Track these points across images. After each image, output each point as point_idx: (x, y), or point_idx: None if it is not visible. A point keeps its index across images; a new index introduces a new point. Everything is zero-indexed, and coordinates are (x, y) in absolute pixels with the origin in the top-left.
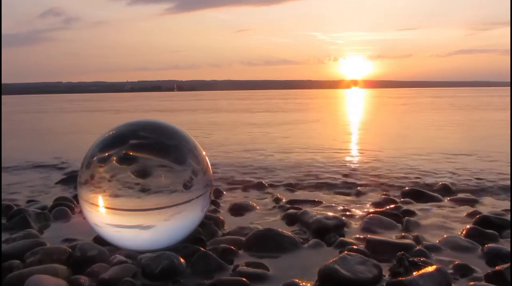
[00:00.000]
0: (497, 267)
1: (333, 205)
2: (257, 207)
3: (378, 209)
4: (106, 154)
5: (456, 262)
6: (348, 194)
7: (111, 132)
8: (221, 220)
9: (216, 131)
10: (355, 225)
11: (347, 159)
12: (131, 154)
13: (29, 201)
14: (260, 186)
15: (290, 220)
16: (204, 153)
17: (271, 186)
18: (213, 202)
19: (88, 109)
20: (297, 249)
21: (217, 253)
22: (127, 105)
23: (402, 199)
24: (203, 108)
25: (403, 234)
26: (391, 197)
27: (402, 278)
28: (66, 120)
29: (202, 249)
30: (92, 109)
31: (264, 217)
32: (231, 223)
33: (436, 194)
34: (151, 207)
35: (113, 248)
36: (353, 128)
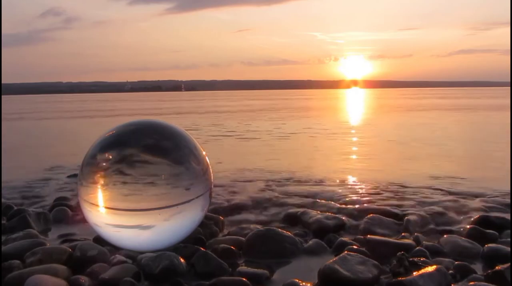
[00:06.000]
0: (497, 267)
1: (333, 204)
2: (257, 206)
3: (378, 209)
4: (106, 154)
5: (456, 262)
6: (348, 193)
7: (111, 133)
8: (221, 220)
9: None
10: (355, 225)
11: (348, 158)
12: (131, 154)
13: (29, 201)
14: (259, 184)
15: (290, 220)
16: (204, 153)
17: (271, 184)
18: (213, 202)
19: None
20: (297, 249)
21: (217, 253)
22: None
23: (402, 199)
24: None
25: (403, 234)
26: (391, 197)
27: (402, 278)
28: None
29: (202, 249)
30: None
31: (264, 216)
32: (231, 222)
33: (436, 194)
34: (151, 207)
35: (113, 248)
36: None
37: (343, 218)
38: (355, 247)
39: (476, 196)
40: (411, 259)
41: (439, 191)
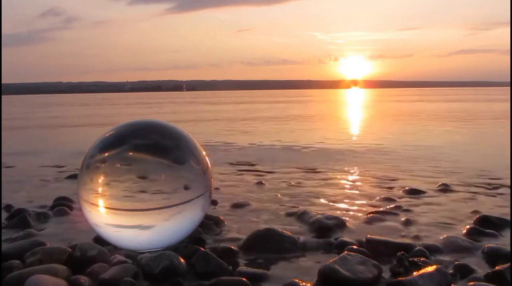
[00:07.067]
0: (497, 267)
1: (333, 204)
2: (257, 206)
3: (378, 209)
4: (106, 154)
5: (456, 262)
6: (348, 193)
7: (111, 133)
8: (221, 220)
9: None
10: (355, 225)
11: (348, 158)
12: (131, 154)
13: (29, 201)
14: (259, 184)
15: (290, 219)
16: (204, 153)
17: (271, 184)
18: (213, 202)
19: None
20: (297, 249)
21: (217, 253)
22: None
23: (402, 198)
24: None
25: (403, 234)
26: (391, 197)
27: (402, 278)
28: None
29: (202, 249)
30: None
31: (264, 216)
32: (231, 222)
33: (436, 193)
34: (151, 207)
35: (113, 248)
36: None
37: (343, 217)
38: (355, 247)
39: (478, 196)
40: (411, 259)
41: (441, 190)
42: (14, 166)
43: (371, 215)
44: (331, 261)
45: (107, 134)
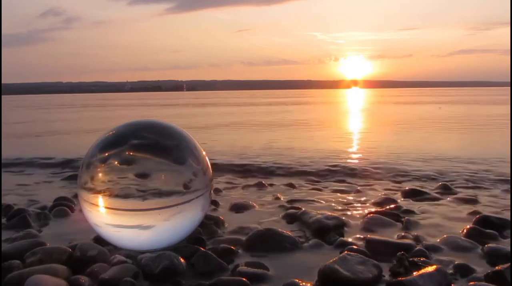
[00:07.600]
0: (497, 267)
1: (333, 204)
2: (257, 207)
3: (378, 209)
4: (106, 154)
5: (456, 262)
6: (348, 193)
7: (111, 133)
8: (221, 220)
9: None
10: (355, 225)
11: (348, 160)
12: (131, 154)
13: (29, 201)
14: (259, 185)
15: (290, 219)
16: (204, 152)
17: (271, 185)
18: (213, 202)
19: None
20: (297, 249)
21: (217, 253)
22: None
23: (402, 199)
24: None
25: (403, 234)
26: (391, 197)
27: (402, 278)
28: None
29: (202, 249)
30: None
31: (264, 216)
32: (231, 222)
33: (436, 194)
34: (151, 207)
35: (113, 248)
36: None
37: (343, 217)
38: (355, 247)
39: (478, 196)
40: (411, 259)
41: (441, 191)
42: (14, 166)
43: (371, 215)
44: (331, 261)
45: (107, 134)
